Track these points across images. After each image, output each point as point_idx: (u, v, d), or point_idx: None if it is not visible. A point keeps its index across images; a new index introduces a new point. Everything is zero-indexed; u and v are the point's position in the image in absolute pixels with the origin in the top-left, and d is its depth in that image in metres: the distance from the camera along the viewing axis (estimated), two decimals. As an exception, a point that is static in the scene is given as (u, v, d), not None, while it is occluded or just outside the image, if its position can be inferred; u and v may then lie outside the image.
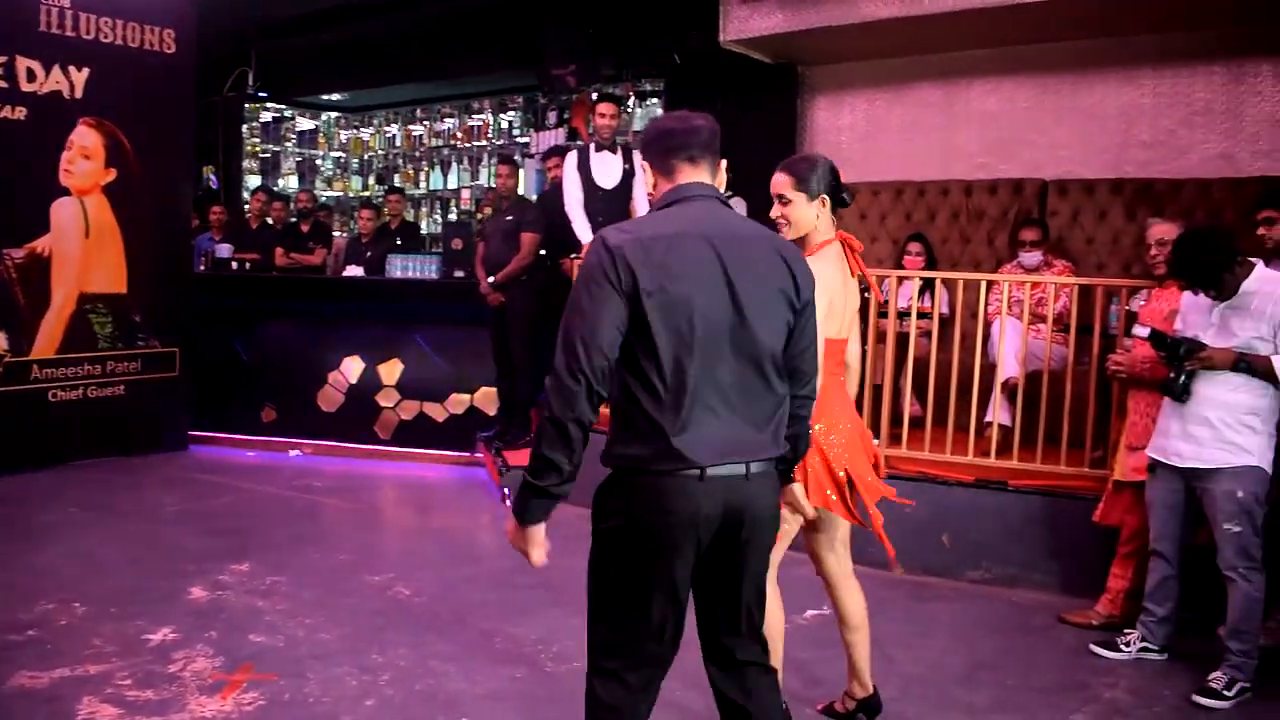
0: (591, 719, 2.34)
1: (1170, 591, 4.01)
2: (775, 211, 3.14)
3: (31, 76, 6.65)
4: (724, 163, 2.49)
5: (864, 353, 5.40)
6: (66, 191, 6.90)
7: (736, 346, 2.26)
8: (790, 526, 3.07)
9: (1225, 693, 3.67)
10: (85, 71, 6.91)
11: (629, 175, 6.70)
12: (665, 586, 2.28)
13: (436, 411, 7.43)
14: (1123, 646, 4.09)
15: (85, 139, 6.98)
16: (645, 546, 2.26)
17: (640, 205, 6.72)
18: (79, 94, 6.90)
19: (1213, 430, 3.75)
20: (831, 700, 3.50)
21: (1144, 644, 4.06)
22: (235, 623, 4.18)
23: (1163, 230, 4.36)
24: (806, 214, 3.10)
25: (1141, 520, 4.21)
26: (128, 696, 3.47)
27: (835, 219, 3.17)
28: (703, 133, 2.40)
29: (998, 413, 5.30)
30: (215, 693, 3.52)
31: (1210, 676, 3.73)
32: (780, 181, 3.13)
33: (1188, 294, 4.01)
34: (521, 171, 8.74)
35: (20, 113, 6.61)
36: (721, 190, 2.47)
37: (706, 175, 2.41)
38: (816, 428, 2.97)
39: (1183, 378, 3.79)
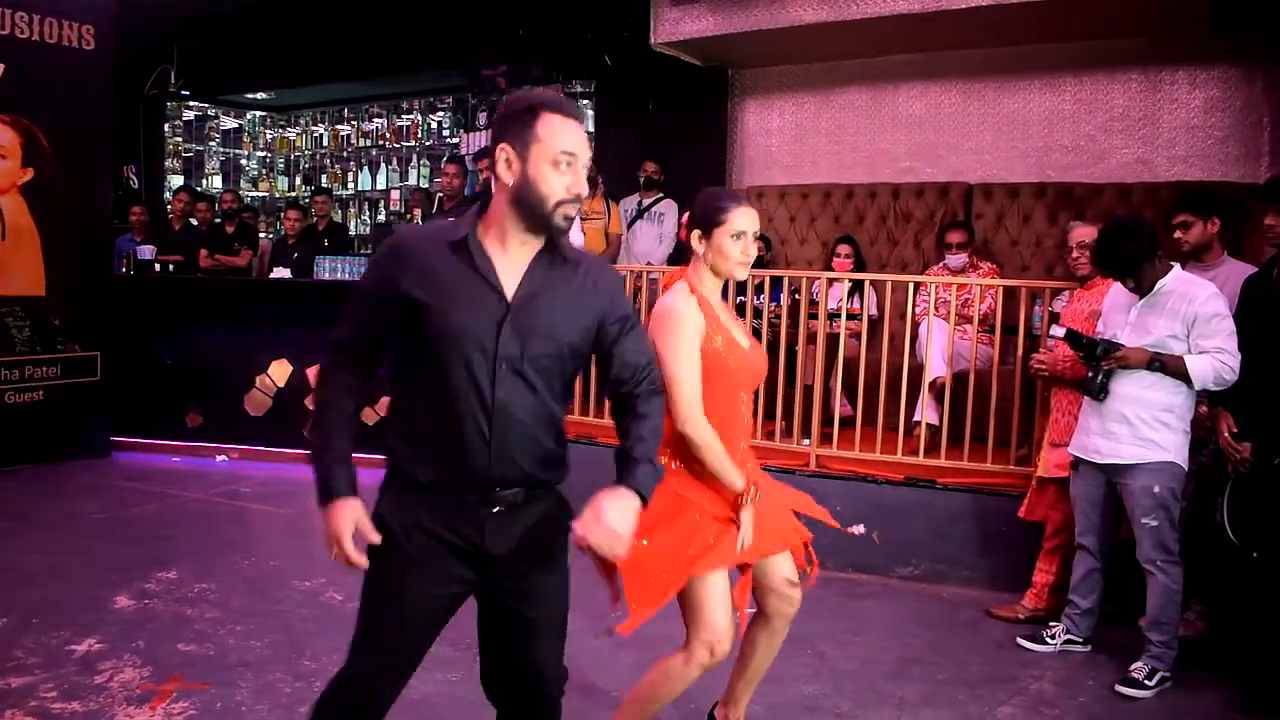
0: None
1: (1094, 584, 4.12)
2: (754, 251, 2.93)
3: (-58, 72, 6.47)
4: None
5: (793, 352, 5.48)
6: (-19, 191, 6.71)
7: None
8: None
9: (1146, 682, 3.79)
10: (0, 67, 6.72)
11: None
12: None
13: (367, 415, 7.32)
14: (1048, 639, 4.19)
15: (0, 137, 6.78)
16: None
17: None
18: (-8, 90, 6.71)
19: (1130, 427, 3.86)
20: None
21: (1068, 636, 4.17)
22: (163, 632, 4.10)
23: (1084, 233, 4.49)
24: None
25: (1065, 516, 4.33)
26: (53, 709, 3.39)
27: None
28: None
29: (926, 412, 5.39)
30: (144, 703, 3.45)
31: (1132, 667, 3.85)
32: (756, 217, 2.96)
33: (1109, 294, 4.14)
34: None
35: (-69, 110, 6.42)
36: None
37: None
38: None
39: (1100, 377, 3.90)
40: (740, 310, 5.68)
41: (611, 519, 2.11)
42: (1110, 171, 6.37)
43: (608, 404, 2.48)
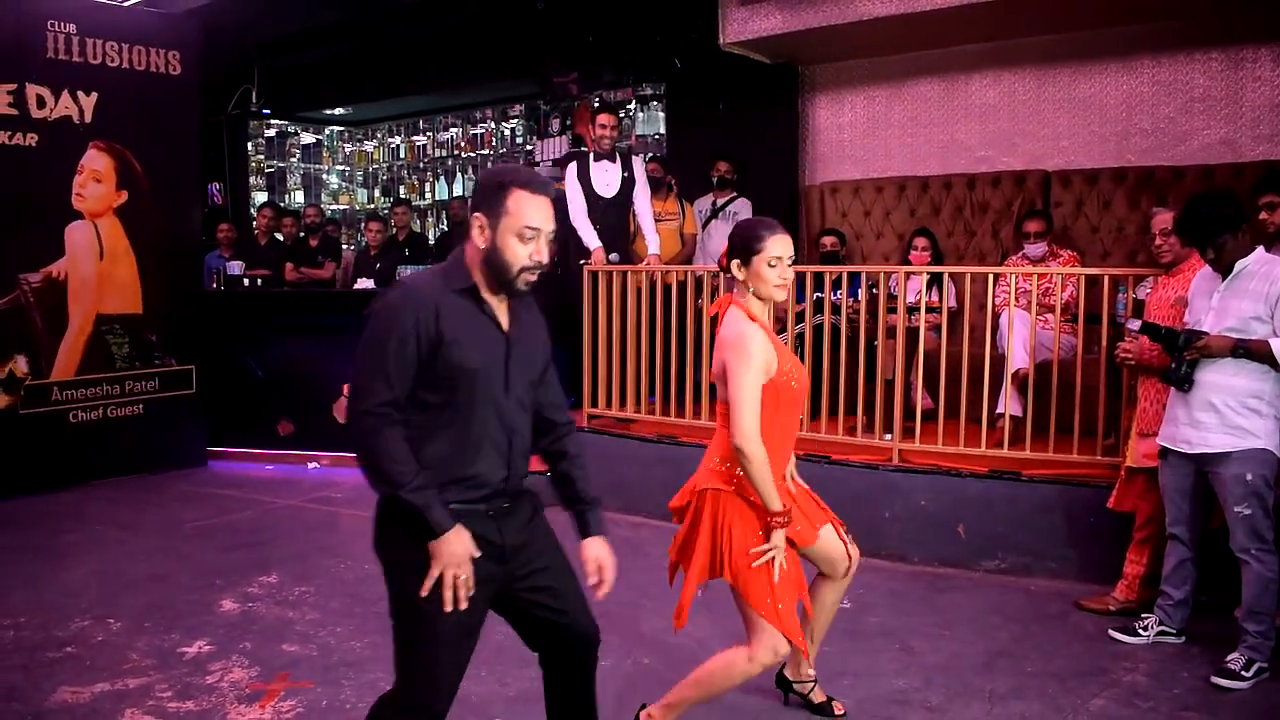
0: None
1: (1187, 575, 4.07)
2: (790, 274, 3.17)
3: (41, 103, 6.75)
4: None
5: (872, 347, 5.49)
6: (80, 215, 7.00)
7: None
8: None
9: (1243, 673, 3.72)
10: (93, 96, 7.00)
11: (629, 183, 6.77)
12: None
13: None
14: (1140, 631, 4.14)
15: (96, 162, 7.07)
16: None
17: (644, 214, 6.77)
18: (88, 118, 6.99)
19: (1218, 415, 3.80)
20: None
21: (1162, 628, 4.12)
22: (267, 633, 4.26)
23: (1166, 219, 4.40)
24: None
25: (1154, 506, 4.28)
26: (169, 708, 3.56)
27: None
28: None
29: (1009, 404, 5.34)
30: (254, 702, 3.61)
31: (1228, 658, 3.79)
32: None
33: (1194, 280, 4.07)
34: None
35: (31, 139, 6.71)
36: None
37: None
38: None
39: (1183, 367, 3.84)
40: (819, 306, 5.69)
41: (607, 566, 2.63)
42: (1192, 154, 6.24)
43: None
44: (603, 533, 2.66)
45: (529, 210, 2.41)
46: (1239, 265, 3.80)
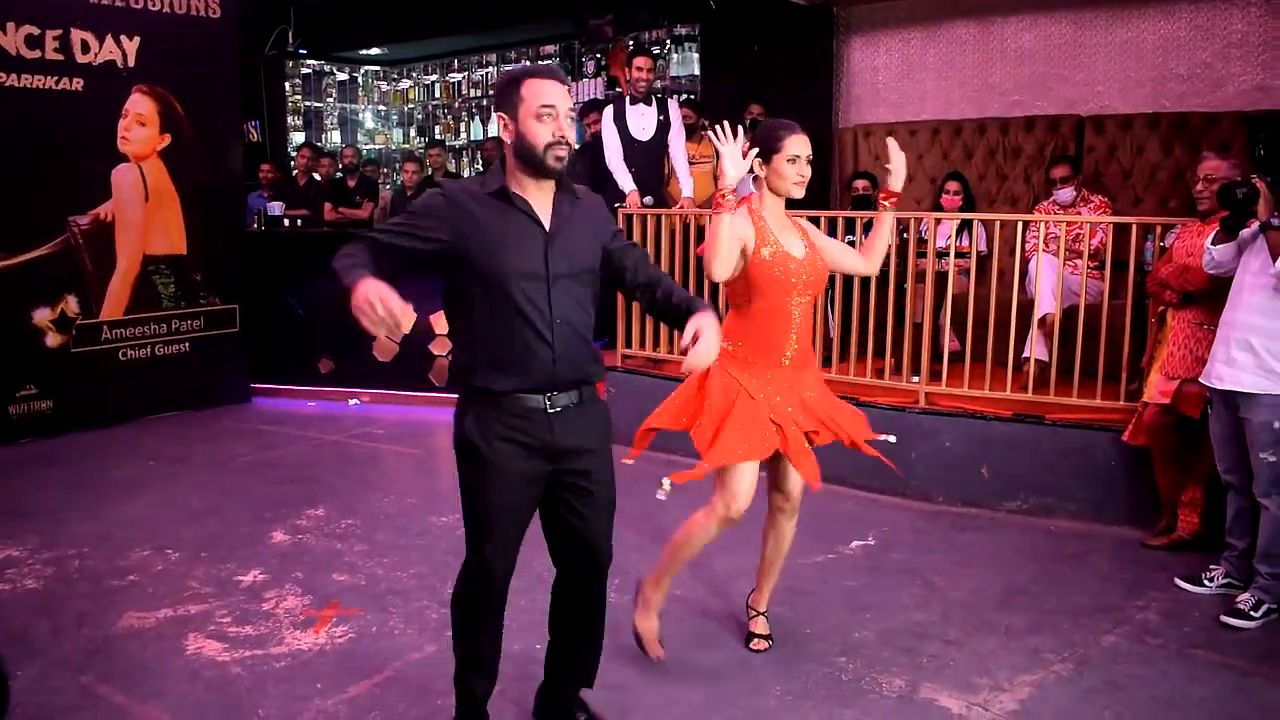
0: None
1: (1249, 523, 4.07)
2: (808, 172, 3.41)
3: (86, 48, 6.86)
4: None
5: (902, 290, 5.57)
6: (125, 158, 7.14)
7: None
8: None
9: (1252, 613, 3.84)
10: (136, 40, 7.11)
11: (664, 126, 6.83)
12: None
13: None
14: (1206, 581, 4.18)
15: (140, 106, 7.20)
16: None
17: (679, 157, 6.85)
18: (131, 62, 7.10)
19: (1254, 357, 3.84)
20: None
21: (1228, 579, 4.15)
22: (318, 564, 4.48)
23: (1213, 166, 4.38)
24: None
25: (1161, 441, 4.50)
26: (229, 632, 3.78)
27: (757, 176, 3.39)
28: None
29: (1035, 348, 5.44)
30: (308, 628, 3.82)
31: (1239, 598, 3.91)
32: None
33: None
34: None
35: (78, 84, 6.83)
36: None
37: None
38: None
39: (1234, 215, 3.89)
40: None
41: (706, 332, 2.59)
42: (1228, 100, 6.21)
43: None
44: (705, 310, 2.68)
45: (541, 91, 2.58)
46: None
